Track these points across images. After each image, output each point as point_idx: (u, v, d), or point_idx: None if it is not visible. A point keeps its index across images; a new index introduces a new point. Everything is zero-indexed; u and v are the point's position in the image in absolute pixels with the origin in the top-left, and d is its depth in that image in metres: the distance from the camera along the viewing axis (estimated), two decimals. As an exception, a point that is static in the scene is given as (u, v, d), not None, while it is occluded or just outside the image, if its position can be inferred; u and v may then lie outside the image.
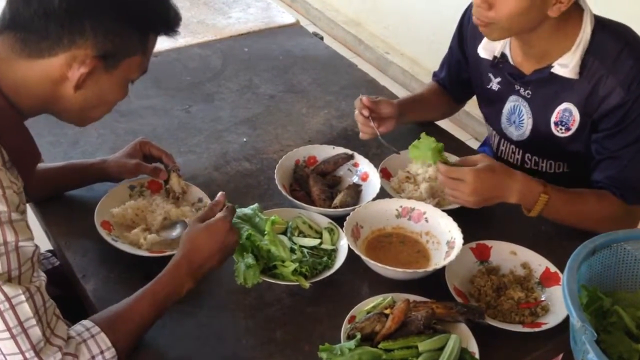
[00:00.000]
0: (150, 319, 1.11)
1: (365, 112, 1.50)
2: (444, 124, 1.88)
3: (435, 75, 1.80)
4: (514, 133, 1.57)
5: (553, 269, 1.32)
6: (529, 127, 1.52)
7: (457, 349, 1.08)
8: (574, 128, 1.44)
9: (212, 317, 1.21)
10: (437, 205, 1.46)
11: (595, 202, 1.40)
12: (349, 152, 1.58)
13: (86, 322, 1.05)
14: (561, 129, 1.45)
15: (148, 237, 1.32)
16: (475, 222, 1.39)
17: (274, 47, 2.17)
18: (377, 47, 4.06)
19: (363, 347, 1.08)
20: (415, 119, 1.72)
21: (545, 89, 1.45)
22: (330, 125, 1.79)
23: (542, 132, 1.49)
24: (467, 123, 3.48)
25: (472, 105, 3.51)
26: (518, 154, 1.59)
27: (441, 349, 1.09)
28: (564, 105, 1.43)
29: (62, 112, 1.09)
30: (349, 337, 1.11)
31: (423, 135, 1.37)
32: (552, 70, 1.41)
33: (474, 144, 2.06)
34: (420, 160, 1.44)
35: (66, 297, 1.32)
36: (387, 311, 1.14)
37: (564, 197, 1.38)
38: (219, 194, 1.24)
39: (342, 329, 1.14)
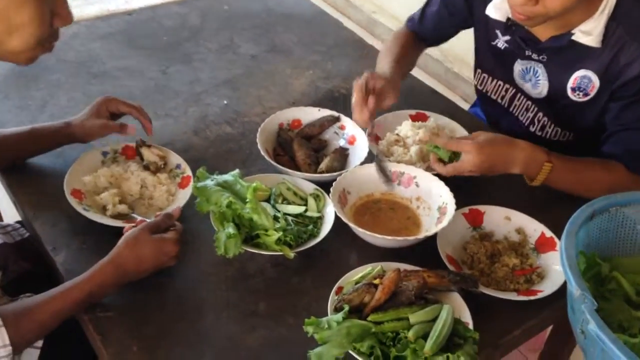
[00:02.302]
0: (60, 319, 1.03)
1: (369, 128, 1.39)
2: (431, 84, 1.80)
3: (412, 23, 1.66)
4: (531, 90, 1.48)
5: (549, 234, 1.26)
6: (546, 88, 1.43)
7: (450, 320, 1.03)
8: (592, 93, 1.36)
9: (191, 290, 1.15)
10: (428, 169, 1.39)
11: (601, 171, 1.34)
12: (335, 114, 1.50)
13: None
14: (579, 94, 1.37)
15: (119, 206, 1.24)
16: (467, 186, 1.33)
17: (255, 4, 2.07)
18: (364, 6, 3.94)
19: (351, 319, 1.02)
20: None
21: (561, 55, 1.36)
22: (315, 87, 1.71)
23: (559, 95, 1.41)
24: (455, 84, 3.40)
25: (461, 66, 3.44)
26: (531, 111, 1.51)
27: (433, 320, 1.04)
28: (582, 72, 1.35)
29: None
30: (336, 310, 1.05)
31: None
32: (573, 37, 1.31)
33: (463, 106, 1.98)
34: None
35: (36, 272, 1.26)
36: (376, 281, 1.08)
37: (568, 166, 1.31)
38: (176, 207, 1.20)
39: (329, 300, 1.08)
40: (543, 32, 1.37)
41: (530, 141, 1.31)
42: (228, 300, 1.14)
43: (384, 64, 1.52)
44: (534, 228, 1.28)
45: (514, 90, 1.53)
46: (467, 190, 1.32)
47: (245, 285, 1.16)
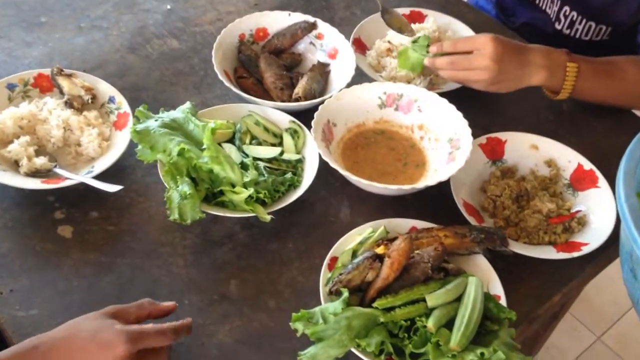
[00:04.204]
0: None
1: None
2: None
3: None
4: None
5: (587, 165, 1.01)
6: None
7: (480, 300, 0.79)
8: None
9: (138, 269, 0.88)
10: (431, 86, 1.11)
11: (635, 70, 1.08)
12: (310, 19, 1.17)
13: None
14: None
15: (36, 159, 0.94)
16: (481, 107, 1.06)
17: None
18: None
19: (352, 308, 0.77)
20: None
21: None
22: (281, -19, 1.36)
23: None
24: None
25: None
26: (556, 4, 1.22)
27: (458, 299, 0.80)
28: None
29: None
30: (331, 294, 0.80)
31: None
32: None
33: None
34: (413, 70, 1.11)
35: None
36: (379, 250, 0.83)
37: (595, 68, 1.07)
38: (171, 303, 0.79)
39: (321, 278, 0.83)
40: None
41: (556, 42, 1.05)
42: (188, 279, 0.88)
43: None
44: (569, 158, 1.03)
45: None
46: (481, 112, 1.05)
47: (209, 257, 0.90)
